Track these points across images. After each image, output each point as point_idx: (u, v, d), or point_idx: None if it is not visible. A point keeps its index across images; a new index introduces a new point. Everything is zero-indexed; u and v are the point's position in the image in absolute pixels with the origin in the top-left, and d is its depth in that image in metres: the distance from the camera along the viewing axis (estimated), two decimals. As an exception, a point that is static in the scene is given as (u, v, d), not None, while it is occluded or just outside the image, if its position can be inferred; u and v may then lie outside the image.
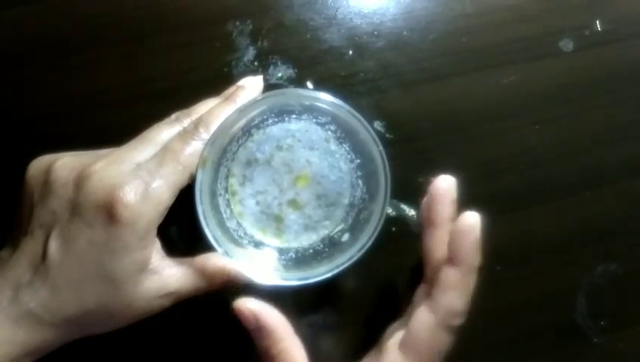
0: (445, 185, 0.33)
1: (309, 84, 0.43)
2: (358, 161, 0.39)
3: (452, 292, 0.31)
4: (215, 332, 0.40)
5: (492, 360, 0.42)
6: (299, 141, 0.39)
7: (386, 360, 0.31)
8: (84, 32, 0.43)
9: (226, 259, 0.34)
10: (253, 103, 0.36)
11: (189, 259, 0.34)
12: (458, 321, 0.31)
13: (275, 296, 0.35)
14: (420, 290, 0.34)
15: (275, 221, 0.39)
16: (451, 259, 0.31)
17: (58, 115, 0.42)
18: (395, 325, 0.34)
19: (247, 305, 0.32)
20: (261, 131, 0.39)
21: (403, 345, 0.31)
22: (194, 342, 0.40)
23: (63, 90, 0.42)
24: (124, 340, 0.36)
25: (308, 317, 0.40)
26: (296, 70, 0.43)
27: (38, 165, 0.33)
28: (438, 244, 0.33)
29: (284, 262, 0.37)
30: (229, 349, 0.40)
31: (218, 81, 0.41)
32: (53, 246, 0.30)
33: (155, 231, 0.33)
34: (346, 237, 0.37)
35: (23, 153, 0.34)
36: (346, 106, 0.36)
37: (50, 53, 0.42)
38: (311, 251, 0.38)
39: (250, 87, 0.38)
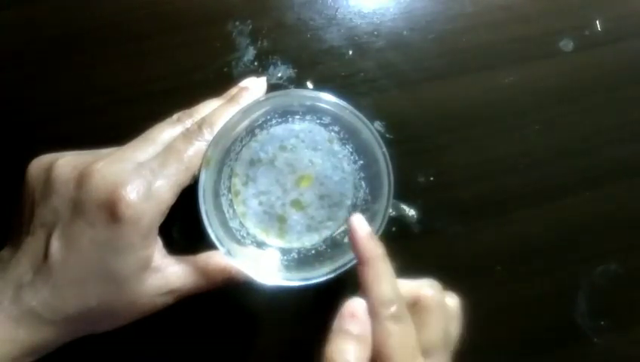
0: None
1: (309, 84, 0.43)
2: (362, 162, 0.39)
3: (374, 285, 0.30)
4: (217, 329, 0.40)
5: (492, 360, 0.42)
6: (302, 141, 0.39)
7: None
8: (84, 32, 0.42)
9: (228, 258, 0.34)
10: (257, 104, 0.36)
11: (191, 257, 0.34)
12: (394, 309, 0.30)
13: (277, 296, 0.35)
14: None
15: (278, 221, 0.39)
16: (360, 260, 0.31)
17: (58, 115, 0.42)
18: None
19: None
20: (265, 131, 0.39)
21: None
22: (196, 338, 0.40)
23: (63, 90, 0.42)
24: (126, 337, 0.35)
25: (309, 317, 0.40)
26: (296, 70, 0.43)
27: (38, 164, 0.33)
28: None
29: (287, 263, 0.37)
30: (231, 345, 0.40)
31: (218, 81, 0.41)
32: (55, 245, 0.30)
33: (157, 230, 0.32)
34: (348, 238, 0.37)
35: (23, 153, 0.34)
36: (350, 107, 0.36)
37: (49, 53, 0.42)
38: (313, 252, 0.38)
39: (254, 87, 0.38)
